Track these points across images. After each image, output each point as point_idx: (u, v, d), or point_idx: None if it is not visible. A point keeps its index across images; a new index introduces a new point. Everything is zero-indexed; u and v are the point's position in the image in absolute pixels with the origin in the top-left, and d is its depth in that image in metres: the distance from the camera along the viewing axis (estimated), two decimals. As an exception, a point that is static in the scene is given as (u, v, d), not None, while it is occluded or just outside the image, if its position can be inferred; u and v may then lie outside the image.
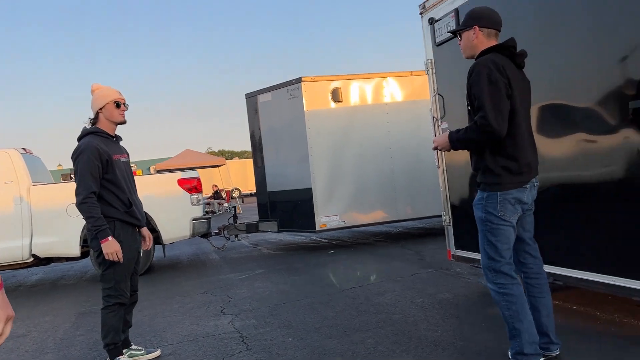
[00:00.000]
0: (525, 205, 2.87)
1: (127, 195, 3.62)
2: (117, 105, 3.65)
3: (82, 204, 3.38)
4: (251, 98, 9.20)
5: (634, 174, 3.08)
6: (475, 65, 2.78)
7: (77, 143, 3.57)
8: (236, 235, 9.23)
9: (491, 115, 2.65)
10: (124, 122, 3.70)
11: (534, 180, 2.88)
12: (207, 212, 22.13)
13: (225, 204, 22.01)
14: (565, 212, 3.62)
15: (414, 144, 8.66)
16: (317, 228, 8.23)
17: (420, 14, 5.10)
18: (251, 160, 37.91)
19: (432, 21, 4.92)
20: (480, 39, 2.91)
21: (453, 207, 4.97)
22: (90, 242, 3.53)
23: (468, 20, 2.96)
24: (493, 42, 2.92)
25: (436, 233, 9.38)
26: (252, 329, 4.39)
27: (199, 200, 8.10)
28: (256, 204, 19.91)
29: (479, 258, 4.64)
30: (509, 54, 2.84)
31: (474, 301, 4.59)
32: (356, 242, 9.32)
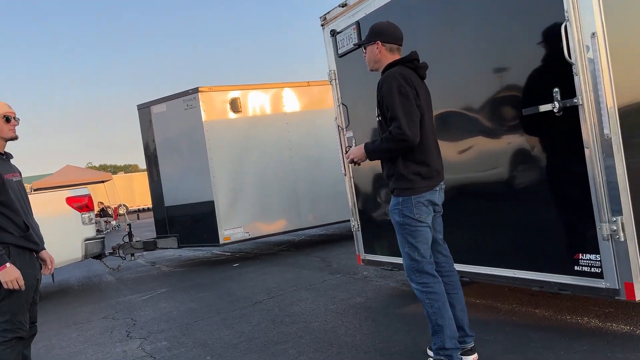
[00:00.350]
0: (436, 206, 3.05)
1: (22, 218, 3.28)
2: (7, 119, 3.30)
3: None
4: (144, 109, 8.80)
5: (522, 174, 3.39)
6: (385, 78, 2.94)
7: None
8: (132, 254, 8.74)
9: (405, 124, 2.81)
10: (15, 138, 3.36)
11: (441, 183, 3.08)
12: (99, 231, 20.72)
13: (113, 222, 20.78)
14: (465, 212, 3.88)
15: (315, 153, 8.79)
16: (221, 241, 8.05)
17: (322, 25, 5.22)
18: (138, 174, 35.78)
19: (333, 33, 5.05)
20: (383, 53, 3.08)
21: (361, 213, 5.12)
22: None
23: (371, 36, 3.11)
24: (397, 56, 3.09)
25: (337, 239, 9.59)
26: (165, 351, 4.18)
27: (91, 219, 7.58)
28: (150, 220, 19.00)
29: (388, 261, 4.82)
30: (412, 66, 3.02)
31: (386, 303, 4.75)
32: (260, 253, 9.25)
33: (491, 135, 3.59)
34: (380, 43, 3.05)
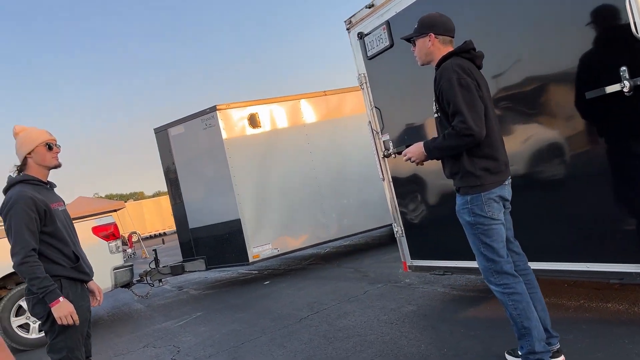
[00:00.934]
0: (506, 202, 2.89)
1: (72, 248, 3.13)
2: (49, 147, 3.17)
3: (21, 265, 2.86)
4: (161, 132, 8.69)
5: (590, 162, 3.21)
6: (443, 71, 2.79)
7: (3, 196, 3.05)
8: (160, 280, 8.57)
9: (470, 118, 2.66)
10: (58, 166, 3.23)
11: (510, 177, 2.92)
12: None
13: (129, 250, 20.62)
14: (526, 205, 3.70)
15: (337, 162, 8.64)
16: (250, 260, 7.87)
17: (347, 29, 5.09)
18: (146, 201, 35.53)
19: (361, 35, 4.92)
20: (436, 46, 2.93)
21: (403, 217, 4.95)
22: (32, 308, 3.00)
23: (422, 28, 2.96)
24: (449, 48, 2.94)
25: (365, 248, 9.40)
26: (220, 378, 3.99)
27: (118, 247, 7.42)
28: (169, 244, 18.86)
29: (440, 265, 4.64)
30: (469, 56, 2.88)
31: (440, 309, 4.56)
32: (289, 268, 9.06)
33: (551, 124, 3.42)
34: (433, 35, 2.91)
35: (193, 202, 8.48)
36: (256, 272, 9.52)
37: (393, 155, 4.85)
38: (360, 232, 8.85)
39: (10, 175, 3.18)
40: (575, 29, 3.16)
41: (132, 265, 7.64)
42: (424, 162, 3.01)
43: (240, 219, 7.86)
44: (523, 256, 3.02)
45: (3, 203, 2.98)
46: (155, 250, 8.88)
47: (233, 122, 8.00)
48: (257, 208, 8.01)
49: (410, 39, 3.04)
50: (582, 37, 3.13)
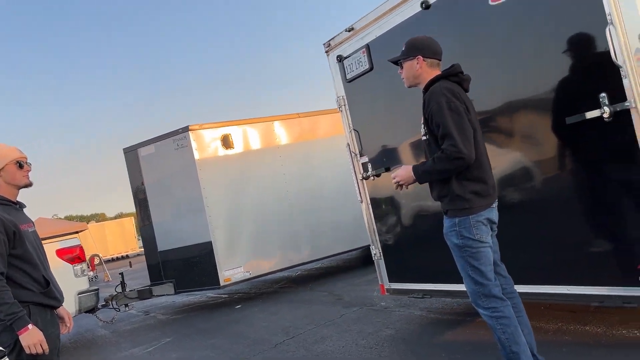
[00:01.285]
0: (494, 225, 2.90)
1: (42, 272, 2.97)
2: (20, 165, 3.02)
3: None
4: (131, 152, 8.49)
5: (571, 186, 3.27)
6: (432, 94, 2.80)
7: None
8: (127, 305, 8.28)
9: (460, 142, 2.66)
10: (29, 185, 3.07)
11: (497, 201, 2.93)
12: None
13: (91, 273, 19.92)
14: (509, 227, 3.72)
15: (310, 185, 8.59)
16: (222, 283, 7.69)
17: (326, 52, 5.11)
18: (109, 222, 34.49)
19: (340, 58, 4.94)
20: (424, 69, 2.95)
21: (382, 239, 4.92)
22: None
23: (411, 50, 2.97)
24: (437, 71, 2.97)
25: (336, 271, 9.33)
26: (195, 407, 3.83)
27: (84, 270, 7.16)
28: (136, 268, 18.31)
29: (418, 288, 4.62)
30: (457, 80, 2.91)
31: (419, 332, 4.52)
32: (260, 292, 8.89)
33: (534, 147, 3.47)
34: (421, 58, 2.93)
35: (162, 223, 8.27)
36: (226, 295, 9.31)
37: (372, 177, 4.84)
38: (333, 255, 8.79)
39: None
40: (555, 55, 3.24)
41: (97, 290, 7.36)
42: (408, 186, 3.00)
43: (211, 242, 7.69)
44: (509, 279, 3.02)
45: None
46: (122, 273, 8.59)
47: (206, 143, 7.89)
48: (229, 230, 7.87)
49: (397, 61, 3.05)
50: (562, 63, 3.21)
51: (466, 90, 2.95)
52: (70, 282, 6.91)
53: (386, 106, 4.62)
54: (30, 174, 3.15)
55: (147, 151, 8.31)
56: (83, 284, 7.10)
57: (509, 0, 3.46)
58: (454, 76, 2.89)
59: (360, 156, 4.94)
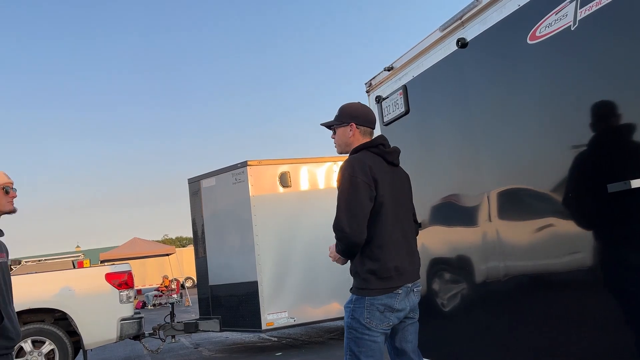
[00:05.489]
0: (399, 312, 2.65)
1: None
2: (6, 191, 2.96)
3: None
4: (194, 183, 8.58)
5: (612, 261, 2.56)
6: (342, 164, 2.74)
7: None
8: (173, 336, 8.22)
9: (344, 219, 2.58)
10: (13, 211, 3.00)
11: (410, 285, 2.67)
12: (155, 305, 20.66)
13: (174, 296, 20.60)
14: (538, 306, 3.04)
15: (368, 231, 8.09)
16: (263, 327, 7.36)
17: (367, 92, 4.74)
18: (188, 249, 35.45)
19: (379, 99, 4.54)
20: (356, 137, 2.87)
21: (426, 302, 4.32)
22: None
23: (344, 117, 2.90)
24: (367, 139, 2.89)
25: (395, 328, 8.62)
26: None
27: (129, 297, 7.18)
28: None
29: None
30: (378, 152, 2.79)
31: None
32: (308, 340, 8.43)
33: (568, 216, 2.80)
34: (355, 125, 2.85)
35: (215, 257, 8.18)
36: (275, 339, 8.96)
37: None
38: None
39: None
40: (597, 105, 2.60)
41: (142, 318, 7.35)
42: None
43: (257, 282, 7.43)
44: None
45: None
46: (172, 304, 8.60)
47: (262, 179, 7.74)
48: (277, 271, 7.56)
49: (330, 126, 2.96)
50: (606, 116, 2.56)
51: (391, 163, 2.80)
52: (114, 307, 6.97)
53: (420, 154, 4.11)
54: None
55: (208, 183, 8.35)
56: (127, 310, 7.11)
57: (549, 39, 2.88)
58: (374, 147, 2.78)
59: (393, 208, 4.43)
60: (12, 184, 3.05)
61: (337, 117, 2.92)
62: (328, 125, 2.97)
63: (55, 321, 6.89)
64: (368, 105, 4.57)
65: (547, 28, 2.90)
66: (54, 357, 6.68)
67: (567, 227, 2.85)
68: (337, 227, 2.58)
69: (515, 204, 3.18)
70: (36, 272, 7.74)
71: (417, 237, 2.99)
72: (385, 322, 2.59)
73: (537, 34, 2.95)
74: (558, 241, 2.90)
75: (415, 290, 2.70)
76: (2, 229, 3.08)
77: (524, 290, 3.14)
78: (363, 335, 2.57)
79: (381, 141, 2.80)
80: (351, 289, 2.74)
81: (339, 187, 2.65)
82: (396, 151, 2.85)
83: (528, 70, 3.04)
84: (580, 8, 2.70)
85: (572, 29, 2.74)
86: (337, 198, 2.65)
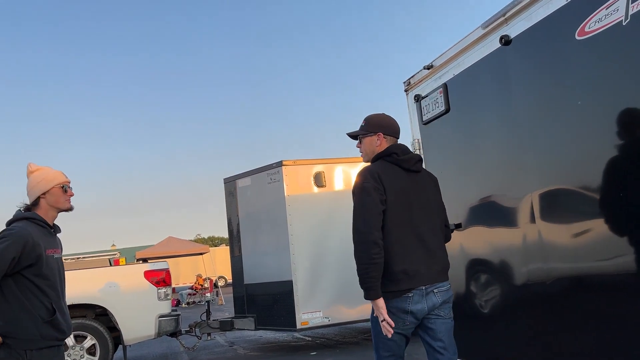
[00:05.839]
0: (415, 314, 2.74)
1: (53, 300, 2.91)
2: (65, 190, 3.05)
3: None
4: (230, 183, 8.67)
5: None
6: (359, 172, 2.90)
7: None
8: (209, 334, 8.32)
9: (360, 220, 2.76)
10: (71, 209, 3.09)
11: (425, 287, 2.74)
12: (189, 303, 20.98)
13: (208, 294, 20.86)
14: (582, 308, 2.96)
15: (403, 232, 8.03)
16: (298, 326, 7.38)
17: (405, 91, 4.70)
18: (220, 249, 35.50)
19: (418, 98, 4.49)
20: (383, 146, 2.98)
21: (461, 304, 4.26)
22: None
23: (373, 127, 3.01)
24: None
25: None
26: None
27: (167, 294, 7.30)
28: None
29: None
30: (392, 160, 2.90)
31: None
32: (342, 340, 8.42)
33: (616, 218, 2.72)
34: (382, 135, 2.97)
35: (251, 256, 8.24)
36: (309, 338, 8.98)
37: (441, 233, 4.25)
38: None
39: (19, 210, 3.08)
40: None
41: (178, 315, 7.47)
42: None
43: (292, 281, 7.46)
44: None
45: (1, 231, 2.86)
46: (208, 302, 8.71)
47: (297, 179, 7.76)
48: (312, 271, 7.58)
49: (356, 136, 3.07)
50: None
51: (409, 170, 2.90)
52: (152, 304, 7.09)
53: (461, 154, 4.05)
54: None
55: (244, 183, 8.42)
56: (165, 307, 7.24)
57: (599, 34, 2.80)
58: (388, 156, 2.91)
59: (432, 208, 4.38)
60: (69, 182, 3.15)
61: (363, 127, 3.02)
62: (354, 135, 3.07)
63: (95, 317, 7.06)
64: (412, 105, 4.55)
65: (596, 23, 2.82)
66: (94, 352, 6.85)
67: (615, 228, 2.77)
68: (354, 229, 2.76)
69: (561, 205, 3.10)
70: (77, 269, 7.95)
71: (447, 239, 3.08)
72: (401, 323, 2.71)
73: (586, 29, 2.88)
74: (606, 243, 2.82)
75: (436, 291, 2.76)
76: (59, 226, 3.18)
77: (574, 294, 3.06)
78: (380, 333, 2.74)
79: (394, 150, 2.91)
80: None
81: (354, 194, 2.84)
82: (413, 158, 2.93)
83: (576, 67, 2.96)
84: (632, 2, 2.62)
85: (624, 24, 2.66)
86: (354, 207, 2.82)
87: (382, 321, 2.67)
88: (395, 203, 2.77)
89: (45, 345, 2.81)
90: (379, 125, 2.99)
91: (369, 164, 3.02)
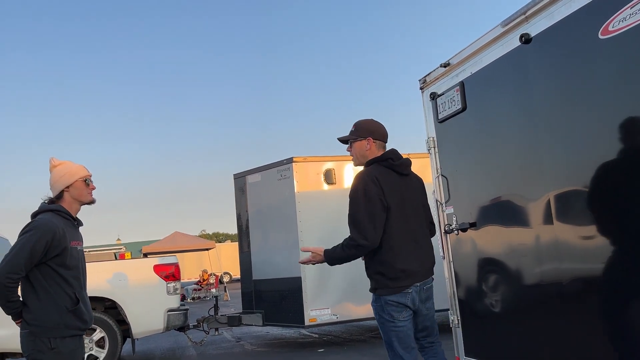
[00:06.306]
0: (411, 307, 3.01)
1: (76, 290, 2.95)
2: (87, 183, 3.09)
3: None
4: (239, 179, 8.68)
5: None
6: (354, 179, 3.07)
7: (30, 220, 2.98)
8: (216, 329, 8.34)
9: (367, 229, 2.92)
10: (93, 202, 3.15)
11: (419, 284, 3.04)
12: (194, 298, 21.04)
13: (213, 290, 20.91)
14: (595, 309, 2.94)
15: (413, 231, 8.02)
16: (306, 322, 7.39)
17: (421, 89, 4.68)
18: (226, 245, 35.57)
19: (434, 96, 4.48)
20: (372, 150, 3.16)
21: (462, 305, 4.26)
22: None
23: (362, 132, 3.18)
24: (382, 152, 3.17)
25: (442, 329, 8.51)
26: None
27: (176, 289, 7.32)
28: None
29: (496, 370, 3.89)
30: (387, 165, 3.08)
31: None
32: (349, 338, 8.42)
33: (638, 220, 2.70)
34: (372, 139, 3.14)
35: (259, 252, 8.26)
36: (316, 335, 8.98)
37: (455, 232, 4.24)
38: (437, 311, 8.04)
39: (44, 202, 3.11)
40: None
41: (187, 310, 7.49)
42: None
43: (301, 277, 7.47)
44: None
45: (29, 223, 2.89)
46: (216, 297, 8.73)
47: (307, 176, 7.76)
48: (321, 268, 7.56)
49: (346, 141, 3.23)
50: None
51: (402, 174, 3.10)
52: (161, 298, 7.12)
53: (477, 153, 4.03)
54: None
55: (254, 179, 8.43)
56: (174, 302, 7.26)
57: (623, 33, 2.78)
58: (384, 161, 3.07)
59: (446, 206, 4.38)
60: (91, 176, 3.18)
61: (353, 132, 3.18)
62: (344, 140, 3.23)
63: (105, 310, 7.09)
64: (428, 102, 4.53)
65: (621, 22, 2.80)
66: (104, 345, 6.88)
67: (636, 231, 2.75)
68: (359, 236, 2.90)
69: (579, 206, 3.08)
70: (87, 262, 7.98)
71: (432, 234, 3.39)
72: (404, 313, 2.98)
73: (610, 28, 2.85)
74: (625, 247, 2.80)
75: (425, 288, 3.09)
76: (80, 219, 3.21)
77: (590, 296, 3.04)
78: (389, 325, 2.96)
79: (390, 155, 3.09)
80: (370, 289, 3.11)
81: (352, 200, 2.99)
82: (405, 163, 3.13)
83: (599, 66, 2.94)
84: (658, 1, 2.60)
85: (649, 23, 2.64)
86: (350, 210, 2.99)
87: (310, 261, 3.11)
88: (395, 207, 2.98)
89: (69, 334, 2.85)
90: (368, 130, 3.16)
91: (361, 167, 3.20)
